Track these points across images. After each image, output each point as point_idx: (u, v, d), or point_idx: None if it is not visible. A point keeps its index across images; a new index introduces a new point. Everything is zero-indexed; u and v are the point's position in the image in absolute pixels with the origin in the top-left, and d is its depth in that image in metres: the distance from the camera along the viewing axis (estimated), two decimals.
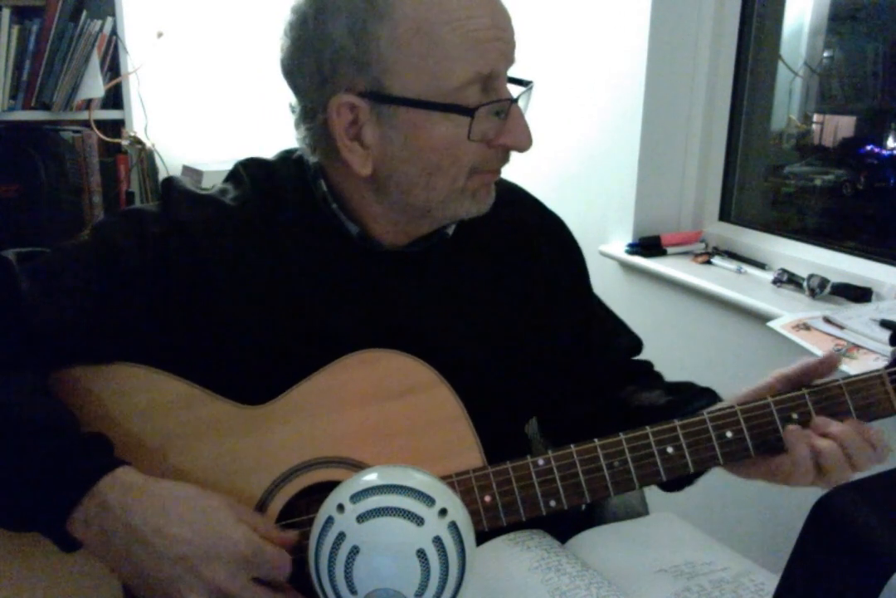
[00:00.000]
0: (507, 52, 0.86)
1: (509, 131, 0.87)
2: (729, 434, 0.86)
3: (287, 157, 0.98)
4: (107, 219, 0.95)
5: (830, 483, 0.83)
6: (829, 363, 0.87)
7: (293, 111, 0.92)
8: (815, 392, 0.86)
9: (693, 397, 0.99)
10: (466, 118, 0.84)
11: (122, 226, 0.91)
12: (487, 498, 0.83)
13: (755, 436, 0.86)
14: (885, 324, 1.48)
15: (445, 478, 0.83)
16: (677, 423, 0.85)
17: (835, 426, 0.83)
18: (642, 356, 1.13)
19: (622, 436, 0.85)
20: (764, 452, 0.86)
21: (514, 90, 0.89)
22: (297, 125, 0.92)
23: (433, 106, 0.83)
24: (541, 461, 0.84)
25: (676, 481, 0.99)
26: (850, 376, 0.87)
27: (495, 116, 0.86)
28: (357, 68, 0.83)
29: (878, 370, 0.88)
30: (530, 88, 0.89)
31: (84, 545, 0.77)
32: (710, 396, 0.99)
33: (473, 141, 0.85)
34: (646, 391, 1.04)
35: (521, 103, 0.88)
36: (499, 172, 0.92)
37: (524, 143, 0.88)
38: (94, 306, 0.86)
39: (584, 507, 1.15)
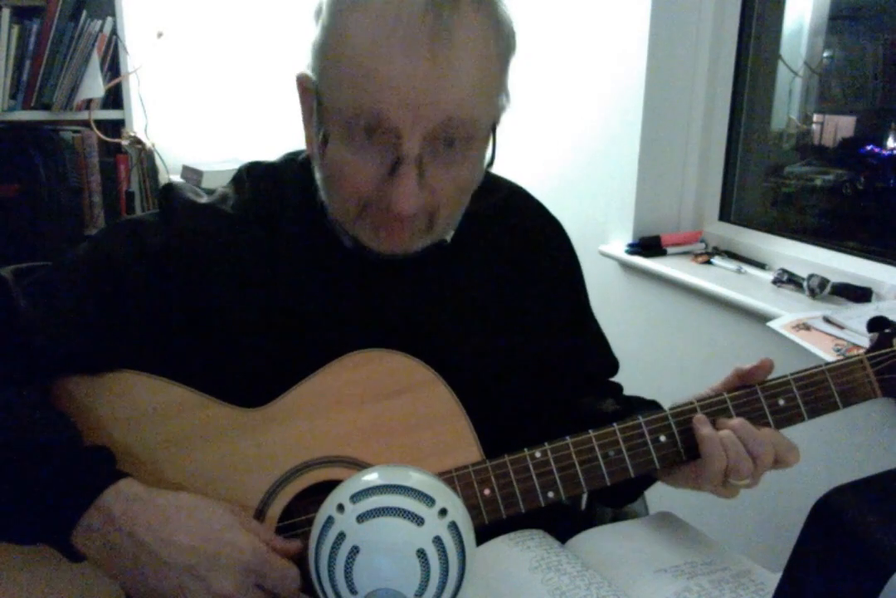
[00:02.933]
0: (408, 102, 0.75)
1: (387, 186, 0.80)
2: None
3: (292, 159, 0.97)
4: (105, 231, 0.94)
5: (739, 475, 0.84)
6: (765, 369, 0.89)
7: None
8: (799, 378, 0.90)
9: (640, 406, 1.01)
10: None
11: (121, 238, 0.90)
12: (487, 492, 0.84)
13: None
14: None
15: (444, 473, 0.84)
16: (668, 412, 0.88)
17: (731, 421, 0.86)
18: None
19: (616, 426, 0.87)
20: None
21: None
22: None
23: (330, 121, 0.81)
24: (538, 454, 0.85)
25: (620, 498, 1.02)
26: (832, 362, 0.91)
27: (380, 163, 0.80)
28: (314, 53, 0.83)
29: (858, 355, 0.92)
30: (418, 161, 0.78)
31: (87, 558, 0.77)
32: (653, 407, 1.01)
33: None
34: (599, 402, 1.05)
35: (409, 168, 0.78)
36: (394, 219, 0.82)
37: (392, 204, 0.80)
38: (93, 322, 0.86)
39: (583, 506, 1.15)
